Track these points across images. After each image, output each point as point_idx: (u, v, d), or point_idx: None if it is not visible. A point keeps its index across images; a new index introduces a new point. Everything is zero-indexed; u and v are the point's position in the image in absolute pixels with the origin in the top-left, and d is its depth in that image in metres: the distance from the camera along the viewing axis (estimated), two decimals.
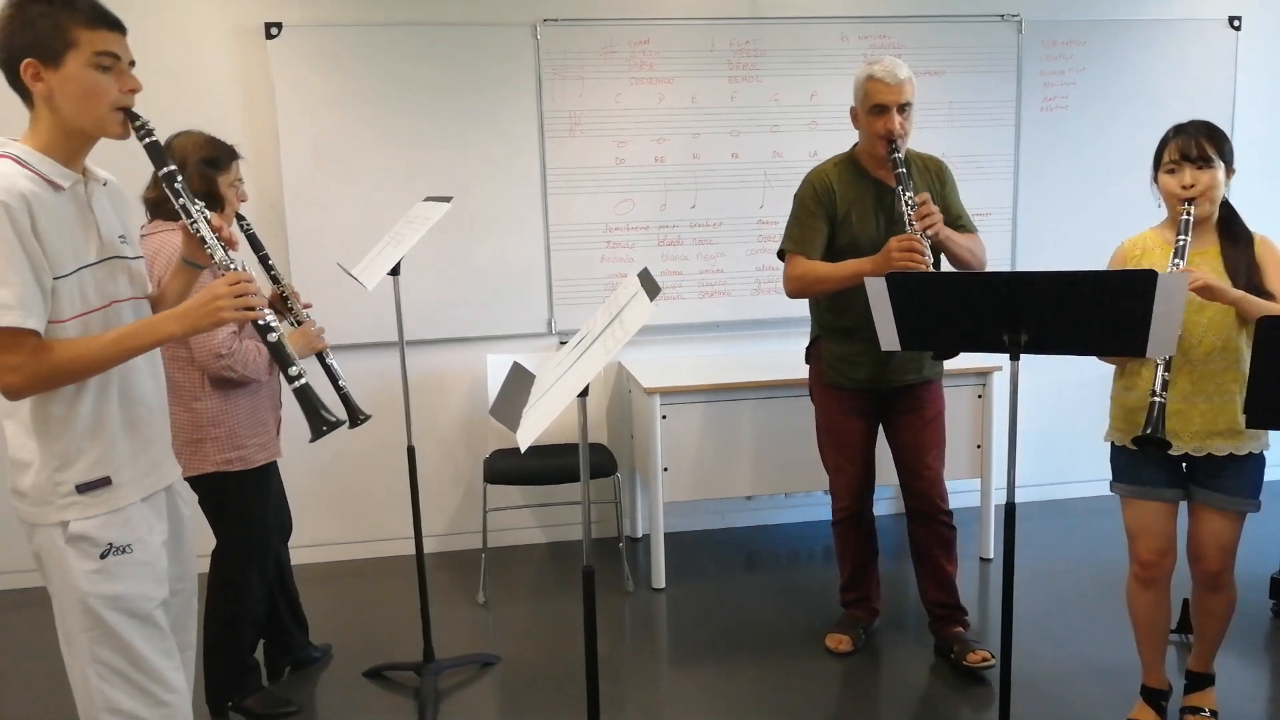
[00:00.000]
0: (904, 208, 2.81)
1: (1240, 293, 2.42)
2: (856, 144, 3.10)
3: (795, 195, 3.11)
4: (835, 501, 3.29)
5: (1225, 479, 2.54)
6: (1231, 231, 2.55)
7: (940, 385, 3.21)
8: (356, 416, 2.68)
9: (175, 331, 1.83)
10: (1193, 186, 2.48)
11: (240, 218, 2.78)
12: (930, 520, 3.16)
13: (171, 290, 2.07)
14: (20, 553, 3.88)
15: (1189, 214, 2.48)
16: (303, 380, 1.91)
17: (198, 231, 1.90)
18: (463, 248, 4.08)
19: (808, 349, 3.28)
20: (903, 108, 2.89)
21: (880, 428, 3.22)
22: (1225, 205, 2.56)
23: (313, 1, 3.90)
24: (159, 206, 2.69)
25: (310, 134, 3.93)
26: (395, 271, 2.91)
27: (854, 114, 3.03)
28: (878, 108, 2.90)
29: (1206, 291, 2.38)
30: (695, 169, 4.21)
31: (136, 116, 1.83)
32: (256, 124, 3.90)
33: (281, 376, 1.99)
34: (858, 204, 3.02)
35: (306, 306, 2.83)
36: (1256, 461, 2.55)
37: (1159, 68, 4.47)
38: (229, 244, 1.93)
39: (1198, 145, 2.48)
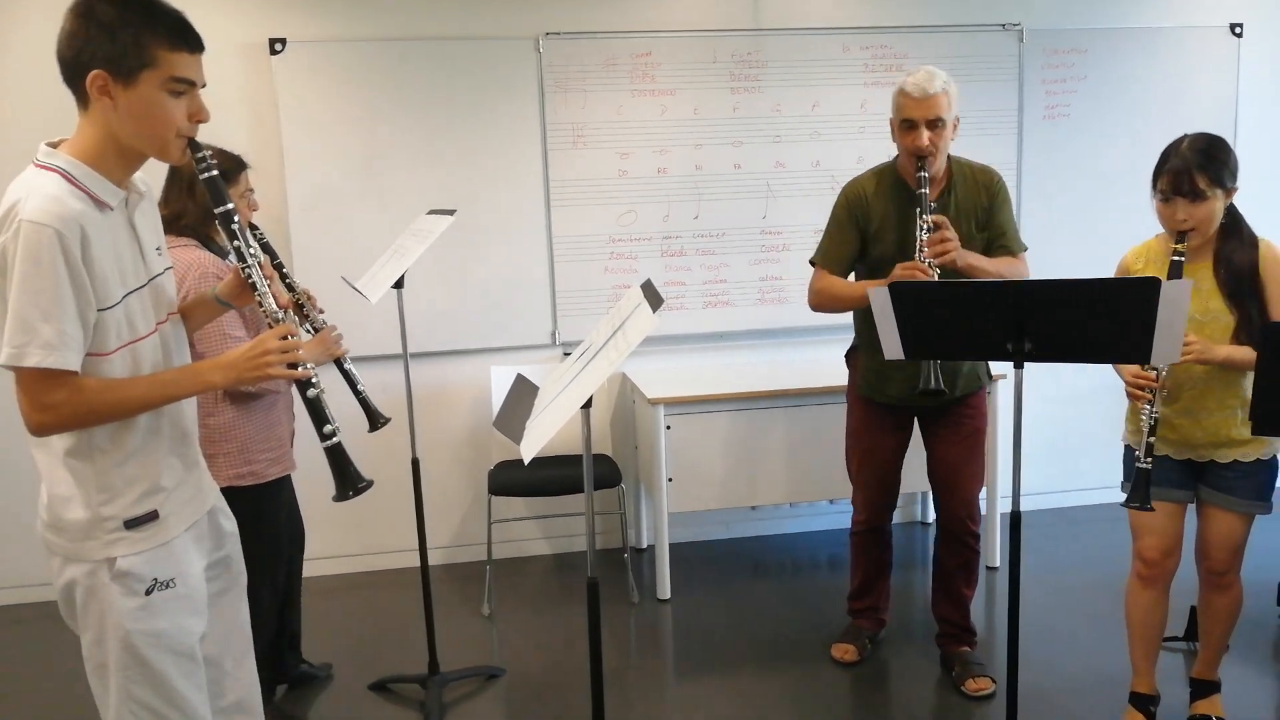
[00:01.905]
0: (918, 232, 2.73)
1: (1226, 352, 2.41)
2: (898, 155, 2.99)
3: (833, 205, 3.06)
4: (855, 513, 3.26)
5: (1234, 481, 2.54)
6: (1233, 241, 2.49)
7: (983, 398, 3.12)
8: (376, 420, 2.67)
9: (218, 382, 1.78)
10: (1185, 220, 2.42)
11: (253, 227, 2.77)
12: (956, 540, 3.11)
13: (192, 324, 2.01)
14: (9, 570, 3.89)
15: (1181, 255, 2.40)
16: (336, 439, 1.85)
17: (249, 277, 1.85)
18: (466, 260, 4.10)
19: (847, 353, 3.24)
20: (933, 123, 2.78)
21: (921, 437, 3.15)
22: (1229, 212, 2.50)
23: (317, 17, 3.93)
24: (172, 222, 2.66)
25: (314, 148, 3.95)
26: (399, 284, 2.92)
27: (892, 125, 2.94)
28: (907, 122, 2.82)
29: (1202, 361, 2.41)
30: (698, 180, 4.22)
31: (199, 147, 1.74)
32: (261, 139, 3.92)
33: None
34: (890, 217, 2.93)
35: (320, 312, 2.80)
36: (1266, 466, 2.54)
37: (1161, 75, 4.47)
38: (279, 298, 1.87)
39: (1190, 180, 2.39)
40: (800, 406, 3.84)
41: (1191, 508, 2.65)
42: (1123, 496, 2.70)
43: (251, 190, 2.80)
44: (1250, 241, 2.49)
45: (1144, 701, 2.75)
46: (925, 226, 2.73)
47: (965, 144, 4.33)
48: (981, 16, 4.32)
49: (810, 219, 4.30)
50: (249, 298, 1.92)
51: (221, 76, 3.90)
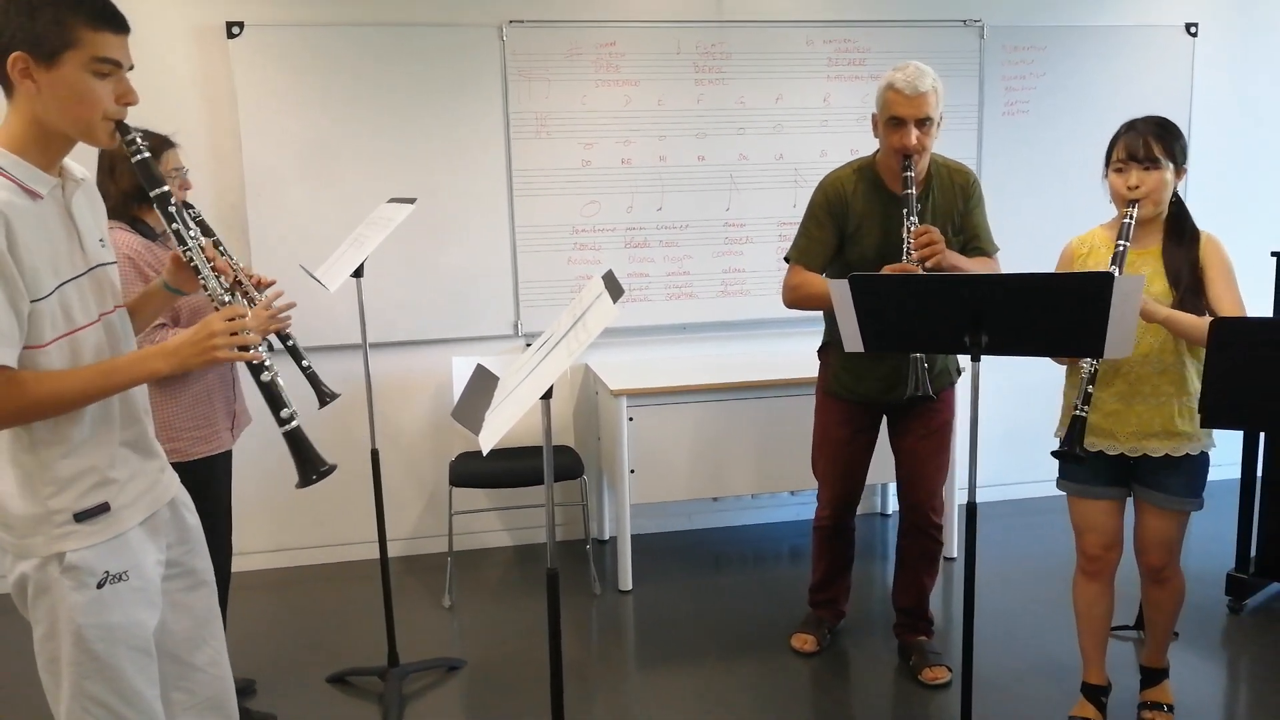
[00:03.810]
0: (905, 234, 2.70)
1: (1168, 312, 2.42)
2: (878, 151, 2.94)
3: (810, 200, 3.00)
4: (819, 508, 3.25)
5: (1165, 478, 2.56)
6: (1178, 230, 2.55)
7: (952, 393, 3.12)
8: (324, 396, 2.63)
9: (162, 370, 1.72)
10: (1138, 188, 2.47)
11: (188, 206, 2.70)
12: (920, 532, 3.13)
13: (145, 314, 1.96)
14: None
15: (1131, 218, 2.47)
16: (295, 424, 1.81)
17: (191, 260, 1.80)
18: (428, 249, 4.06)
19: (819, 350, 3.19)
20: (922, 122, 2.72)
21: (887, 433, 3.14)
22: (1175, 202, 2.56)
23: (275, 0, 3.86)
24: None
25: (273, 134, 3.89)
26: (359, 273, 2.89)
27: (874, 121, 2.87)
28: (894, 120, 2.74)
29: (1145, 315, 2.41)
30: (661, 171, 4.22)
31: (128, 129, 1.70)
32: (218, 124, 3.86)
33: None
34: (870, 218, 2.90)
35: (268, 284, 2.62)
36: (1196, 461, 2.56)
37: (1118, 73, 4.54)
38: (223, 273, 1.83)
39: (1145, 145, 2.46)
40: (763, 399, 3.86)
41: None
42: (1060, 491, 2.74)
43: (181, 169, 2.71)
44: (1193, 235, 2.54)
45: (1095, 692, 2.79)
46: (911, 227, 2.70)
47: None
48: (943, 12, 4.36)
49: (773, 212, 4.32)
50: (195, 281, 1.87)
51: (177, 60, 3.84)
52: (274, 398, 1.81)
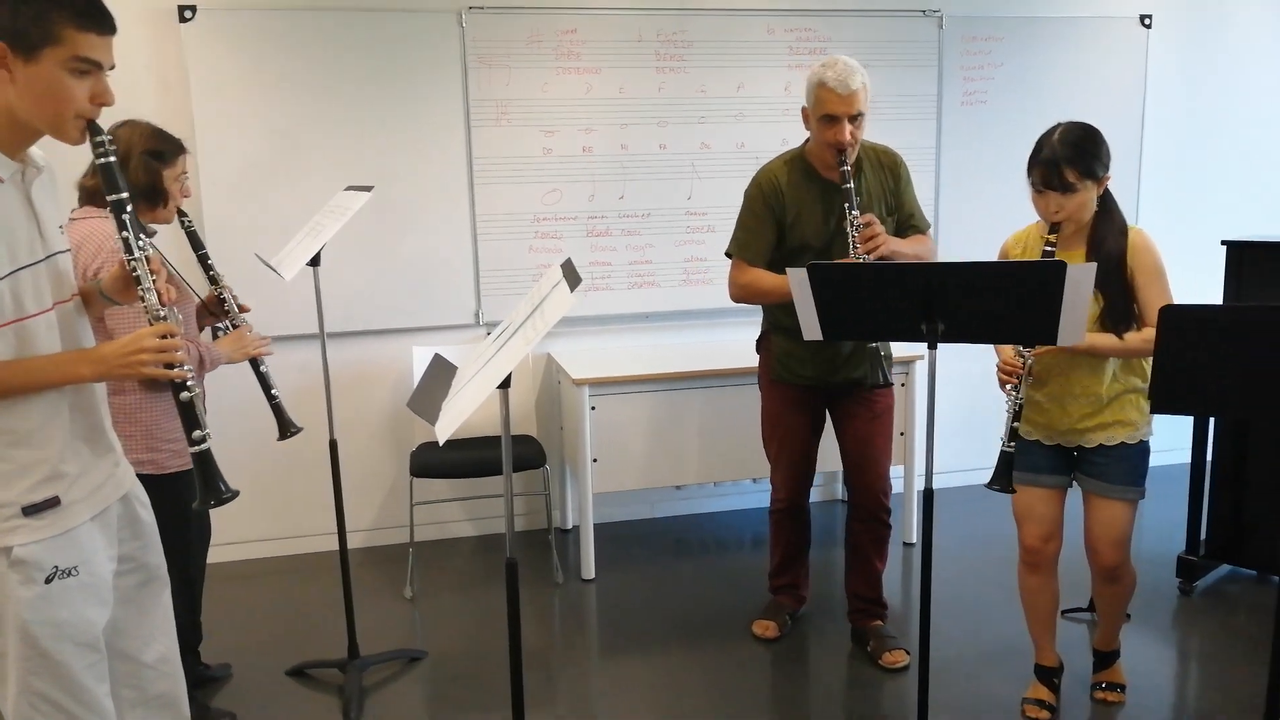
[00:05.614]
0: (849, 228, 2.78)
1: (1089, 340, 2.44)
2: (807, 141, 3.02)
3: (745, 194, 3.07)
4: (774, 492, 3.30)
5: (1106, 467, 2.60)
6: (1106, 227, 2.53)
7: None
8: (287, 429, 2.63)
9: (87, 375, 1.71)
10: (1058, 212, 2.47)
11: (182, 214, 2.68)
12: (870, 518, 3.17)
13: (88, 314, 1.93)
14: None
15: (1052, 245, 2.47)
16: (205, 445, 1.81)
17: (134, 270, 1.78)
18: (387, 238, 4.02)
19: (758, 340, 3.26)
20: (854, 118, 2.81)
21: (830, 421, 3.21)
22: (1103, 200, 2.54)
23: None
24: (95, 195, 2.53)
25: (227, 121, 3.82)
26: (315, 262, 2.85)
27: (805, 114, 2.95)
28: (828, 117, 2.82)
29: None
30: (623, 159, 4.20)
31: (99, 130, 1.69)
32: (170, 110, 3.77)
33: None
34: (807, 206, 2.97)
35: (244, 310, 2.74)
36: (1135, 450, 2.60)
37: (1073, 64, 4.59)
38: (164, 294, 1.80)
39: (1059, 174, 2.43)
40: (725, 387, 3.87)
41: (1079, 501, 2.72)
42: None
43: (185, 174, 2.70)
44: (1121, 229, 2.54)
45: (1048, 673, 2.85)
46: (854, 222, 2.78)
47: (885, 128, 4.40)
48: (903, 2, 4.38)
49: (735, 200, 4.25)
50: (133, 294, 1.83)
51: (128, 44, 3.71)
52: (190, 418, 1.79)
